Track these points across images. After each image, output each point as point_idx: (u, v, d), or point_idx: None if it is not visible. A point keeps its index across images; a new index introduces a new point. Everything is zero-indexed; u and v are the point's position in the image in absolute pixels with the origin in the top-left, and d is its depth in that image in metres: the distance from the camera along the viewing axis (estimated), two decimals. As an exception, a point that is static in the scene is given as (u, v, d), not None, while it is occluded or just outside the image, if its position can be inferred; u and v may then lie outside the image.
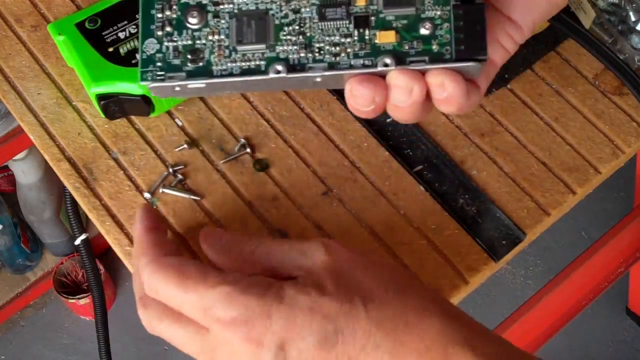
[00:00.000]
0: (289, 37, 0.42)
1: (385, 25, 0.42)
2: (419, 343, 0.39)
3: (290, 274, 0.42)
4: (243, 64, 0.43)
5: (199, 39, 0.44)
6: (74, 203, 0.83)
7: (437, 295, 0.45)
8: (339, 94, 0.66)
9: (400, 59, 0.41)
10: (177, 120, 0.66)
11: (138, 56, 0.45)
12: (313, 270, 0.41)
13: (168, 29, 0.45)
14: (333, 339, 0.38)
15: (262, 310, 0.39)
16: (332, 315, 0.39)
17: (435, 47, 0.41)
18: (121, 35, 0.64)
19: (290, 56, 0.42)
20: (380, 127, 0.65)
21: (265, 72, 0.42)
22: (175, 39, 0.45)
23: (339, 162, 0.63)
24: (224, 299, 0.39)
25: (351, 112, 0.52)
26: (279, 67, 0.42)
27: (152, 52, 0.44)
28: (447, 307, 0.44)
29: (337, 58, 0.42)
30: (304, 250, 0.42)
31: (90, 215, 0.62)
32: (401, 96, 0.40)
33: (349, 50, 0.41)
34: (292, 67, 0.42)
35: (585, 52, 0.66)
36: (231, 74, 0.43)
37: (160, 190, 0.62)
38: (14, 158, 1.32)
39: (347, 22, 0.42)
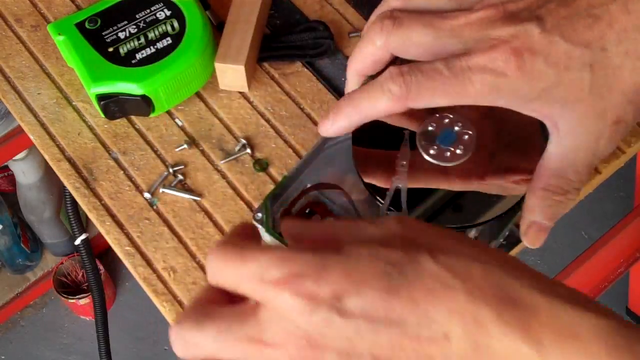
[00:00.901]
0: None
1: None
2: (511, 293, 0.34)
3: (346, 238, 0.38)
4: None
5: None
6: (74, 203, 0.83)
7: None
8: (339, 94, 0.66)
9: None
10: (177, 120, 0.66)
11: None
12: (378, 235, 0.37)
13: None
14: (397, 281, 0.34)
15: (317, 263, 0.35)
16: (396, 260, 0.35)
17: None
18: (121, 35, 0.64)
19: None
20: (380, 127, 0.65)
21: None
22: None
23: (339, 162, 0.63)
24: (279, 259, 0.35)
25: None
26: None
27: None
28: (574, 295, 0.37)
29: None
30: (374, 220, 0.38)
31: (90, 215, 0.62)
32: None
33: None
34: None
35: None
36: None
37: (160, 190, 0.62)
38: (14, 158, 1.32)
39: None
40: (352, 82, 0.54)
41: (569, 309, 0.35)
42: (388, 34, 0.48)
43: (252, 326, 0.36)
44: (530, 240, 0.50)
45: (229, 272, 0.37)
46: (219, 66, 0.64)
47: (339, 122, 0.51)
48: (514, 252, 0.59)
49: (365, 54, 0.50)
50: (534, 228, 0.49)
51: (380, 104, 0.47)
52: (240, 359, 0.36)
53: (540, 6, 0.44)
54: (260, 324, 0.36)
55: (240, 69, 0.63)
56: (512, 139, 0.60)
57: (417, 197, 0.58)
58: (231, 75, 0.64)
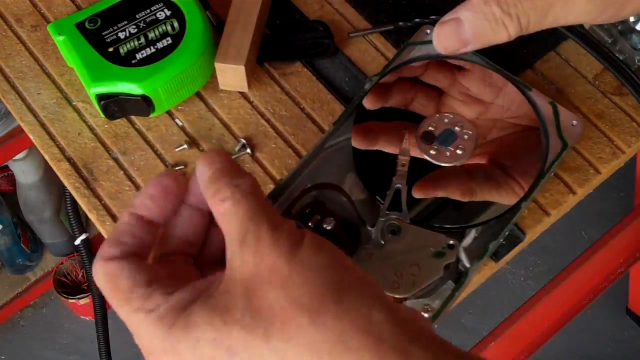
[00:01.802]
0: None
1: None
2: None
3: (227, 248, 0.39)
4: None
5: None
6: (74, 203, 0.83)
7: (374, 313, 0.36)
8: (339, 94, 0.66)
9: None
10: (177, 120, 0.66)
11: None
12: (233, 277, 0.37)
13: None
14: None
15: (170, 344, 0.37)
16: (236, 348, 0.35)
17: None
18: (121, 35, 0.64)
19: None
20: (380, 127, 0.65)
21: None
22: None
23: (339, 162, 0.63)
24: (140, 326, 0.38)
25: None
26: None
27: None
28: (379, 335, 0.35)
29: None
30: (238, 234, 0.38)
31: (90, 215, 0.62)
32: None
33: None
34: None
35: (585, 52, 0.66)
36: None
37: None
38: (14, 158, 1.32)
39: None
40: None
41: None
42: None
43: None
44: (440, 35, 0.45)
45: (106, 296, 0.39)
46: (219, 66, 0.64)
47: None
48: (514, 252, 0.59)
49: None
50: (452, 24, 0.44)
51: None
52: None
53: None
54: None
55: (240, 69, 0.63)
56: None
57: (417, 197, 0.58)
58: (231, 75, 0.64)
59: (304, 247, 0.37)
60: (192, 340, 0.36)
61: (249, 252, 0.37)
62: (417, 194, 0.58)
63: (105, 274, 0.39)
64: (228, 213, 0.38)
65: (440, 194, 0.58)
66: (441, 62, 0.63)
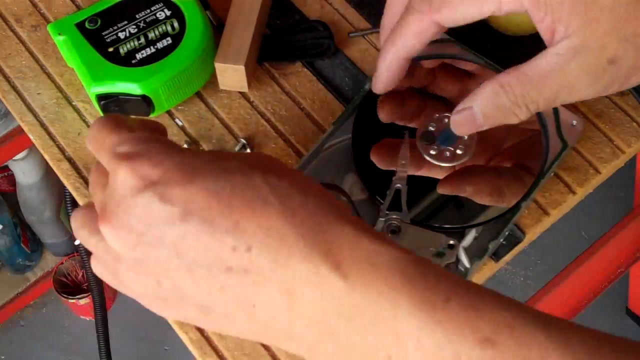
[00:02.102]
0: None
1: None
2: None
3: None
4: None
5: None
6: (74, 203, 0.83)
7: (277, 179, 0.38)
8: (339, 94, 0.66)
9: None
10: (177, 120, 0.66)
11: None
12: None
13: None
14: (223, 187, 0.36)
15: (161, 150, 0.38)
16: (230, 167, 0.37)
17: None
18: (121, 35, 0.64)
19: None
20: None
21: None
22: None
23: (339, 162, 0.63)
24: (136, 139, 0.39)
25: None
26: None
27: None
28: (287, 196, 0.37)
29: None
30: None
31: (90, 215, 0.62)
32: None
33: None
34: None
35: (585, 52, 0.66)
36: None
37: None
38: (14, 158, 1.32)
39: None
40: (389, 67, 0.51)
41: (371, 241, 0.36)
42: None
43: (99, 198, 0.40)
44: (456, 122, 0.48)
45: (96, 137, 0.40)
46: (219, 66, 0.64)
47: (380, 66, 0.50)
48: (514, 252, 0.59)
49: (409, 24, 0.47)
50: (467, 113, 0.47)
51: (408, 26, 0.46)
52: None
53: None
54: (104, 198, 0.39)
55: (240, 69, 0.63)
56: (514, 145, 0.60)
57: (417, 197, 0.58)
58: (231, 75, 0.64)
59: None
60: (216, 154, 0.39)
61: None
62: (442, 190, 0.57)
63: (107, 116, 0.41)
64: None
65: (468, 191, 0.57)
66: (449, 70, 0.62)
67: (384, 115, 0.60)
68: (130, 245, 0.37)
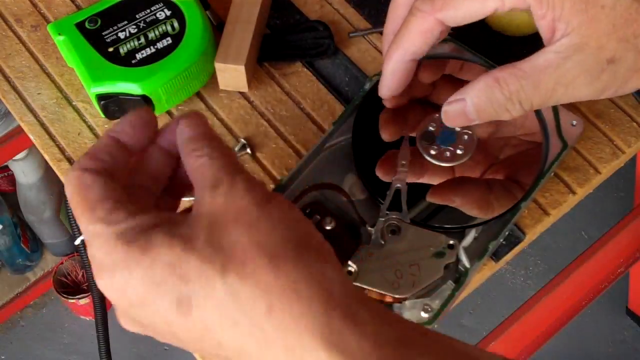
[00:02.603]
0: None
1: None
2: (281, 338, 0.35)
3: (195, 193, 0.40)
4: None
5: None
6: (74, 203, 0.83)
7: (329, 271, 0.37)
8: (339, 94, 0.66)
9: None
10: (177, 120, 0.66)
11: None
12: (199, 212, 0.38)
13: None
14: (187, 303, 0.36)
15: (124, 260, 0.37)
16: (190, 276, 0.36)
17: None
18: (121, 35, 0.64)
19: None
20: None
21: None
22: None
23: (339, 162, 0.63)
24: (97, 238, 0.38)
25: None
26: None
27: None
28: (331, 291, 0.36)
29: None
30: (211, 181, 0.39)
31: (90, 215, 0.62)
32: None
33: None
34: None
35: (585, 52, 0.66)
36: None
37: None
38: (14, 158, 1.32)
39: None
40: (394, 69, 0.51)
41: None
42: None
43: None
44: (447, 114, 0.48)
45: (72, 207, 0.40)
46: (219, 66, 0.64)
47: (386, 69, 0.50)
48: (514, 252, 0.59)
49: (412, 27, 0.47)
50: (459, 105, 0.47)
51: (412, 27, 0.46)
52: None
53: None
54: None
55: (240, 69, 0.63)
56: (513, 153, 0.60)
57: (417, 197, 0.58)
58: (231, 75, 0.64)
59: (276, 200, 0.38)
60: (148, 260, 0.37)
61: (221, 194, 0.38)
62: (431, 199, 0.57)
63: (78, 183, 0.40)
64: (203, 165, 0.39)
65: (456, 202, 0.57)
66: (449, 80, 0.62)
67: (387, 135, 0.60)
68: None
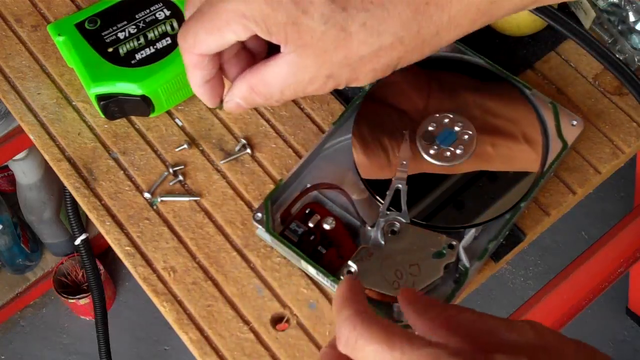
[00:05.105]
0: None
1: None
2: None
3: (492, 346, 0.40)
4: None
5: None
6: (74, 203, 0.83)
7: None
8: (339, 94, 0.66)
9: None
10: (177, 120, 0.66)
11: None
12: (522, 345, 0.39)
13: None
14: None
15: None
16: None
17: None
18: (121, 35, 0.64)
19: None
20: (380, 127, 0.65)
21: None
22: None
23: (339, 162, 0.63)
24: (429, 359, 0.37)
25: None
26: None
27: None
28: None
29: None
30: (511, 326, 0.40)
31: (90, 215, 0.62)
32: None
33: None
34: None
35: (585, 52, 0.66)
36: None
37: (159, 199, 0.62)
38: (14, 158, 1.32)
39: None
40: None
41: None
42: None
43: None
44: (228, 108, 0.51)
45: (372, 348, 0.38)
46: (218, 66, 0.64)
47: (195, 91, 0.52)
48: (514, 252, 0.59)
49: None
50: (234, 103, 0.51)
51: (187, 63, 0.50)
52: None
53: None
54: None
55: (240, 69, 0.63)
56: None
57: (417, 197, 0.58)
58: (231, 75, 0.64)
59: None
60: None
61: None
62: None
63: (374, 323, 0.39)
64: None
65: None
66: (442, 89, 0.64)
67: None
68: None
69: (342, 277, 0.54)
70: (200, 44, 0.48)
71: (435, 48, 0.46)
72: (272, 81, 0.48)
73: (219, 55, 0.50)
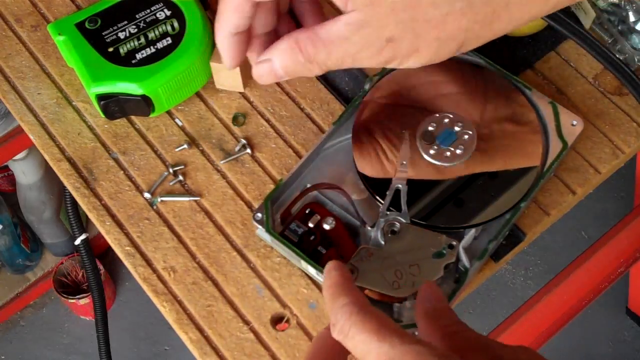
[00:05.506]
0: None
1: None
2: None
3: (481, 358, 0.39)
4: None
5: None
6: (74, 203, 0.83)
7: None
8: (339, 94, 0.66)
9: None
10: (177, 120, 0.66)
11: None
12: None
13: None
14: None
15: None
16: None
17: None
18: (121, 35, 0.64)
19: None
20: (380, 127, 0.65)
21: None
22: None
23: (339, 162, 0.63)
24: (415, 356, 0.37)
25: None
26: None
27: None
28: None
29: None
30: (505, 346, 0.40)
31: (90, 215, 0.62)
32: None
33: None
34: None
35: (585, 52, 0.66)
36: None
37: (159, 199, 0.62)
38: (14, 158, 1.32)
39: None
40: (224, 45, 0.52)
41: None
42: None
43: None
44: (258, 73, 0.50)
45: (361, 338, 0.38)
46: (214, 66, 0.64)
47: (217, 44, 0.51)
48: (514, 252, 0.59)
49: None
50: (267, 65, 0.49)
51: (226, 4, 0.48)
52: None
53: None
54: None
55: (235, 69, 0.63)
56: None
57: (417, 197, 0.58)
58: (226, 74, 0.64)
59: None
60: None
61: None
62: None
63: (369, 313, 0.40)
64: None
65: None
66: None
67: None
68: None
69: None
70: None
71: (503, 25, 0.44)
72: (324, 37, 0.46)
73: (255, 12, 0.48)
